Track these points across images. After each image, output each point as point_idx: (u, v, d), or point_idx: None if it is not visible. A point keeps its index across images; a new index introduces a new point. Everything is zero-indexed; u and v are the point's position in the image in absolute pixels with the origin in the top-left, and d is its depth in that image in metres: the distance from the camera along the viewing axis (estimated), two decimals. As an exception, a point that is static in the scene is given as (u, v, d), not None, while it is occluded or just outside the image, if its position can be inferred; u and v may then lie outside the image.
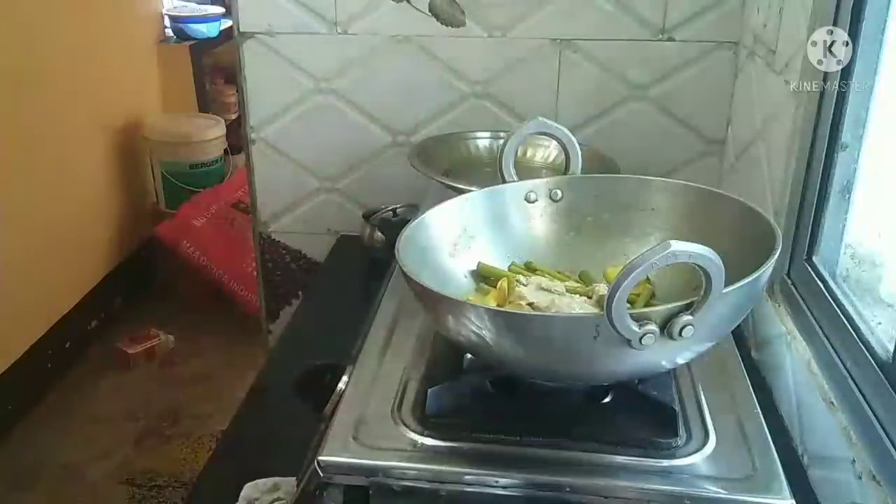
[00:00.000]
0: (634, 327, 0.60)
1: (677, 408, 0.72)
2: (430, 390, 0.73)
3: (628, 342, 0.60)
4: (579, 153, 0.91)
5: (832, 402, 0.80)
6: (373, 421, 0.73)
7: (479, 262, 0.85)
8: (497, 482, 0.67)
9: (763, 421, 0.74)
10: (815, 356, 0.88)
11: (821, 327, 0.88)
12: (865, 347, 0.78)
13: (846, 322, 0.83)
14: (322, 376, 0.82)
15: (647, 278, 0.77)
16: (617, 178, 0.96)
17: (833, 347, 0.85)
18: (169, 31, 3.26)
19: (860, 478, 0.72)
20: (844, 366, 0.81)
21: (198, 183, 2.99)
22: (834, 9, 0.91)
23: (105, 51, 2.77)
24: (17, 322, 2.32)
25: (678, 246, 0.58)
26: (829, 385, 0.83)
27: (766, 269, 0.65)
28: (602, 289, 0.77)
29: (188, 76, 3.20)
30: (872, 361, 0.76)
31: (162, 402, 2.44)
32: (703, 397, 0.76)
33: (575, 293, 0.78)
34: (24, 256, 2.34)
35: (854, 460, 0.74)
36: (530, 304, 0.75)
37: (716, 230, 0.78)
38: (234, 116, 3.30)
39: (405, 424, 0.72)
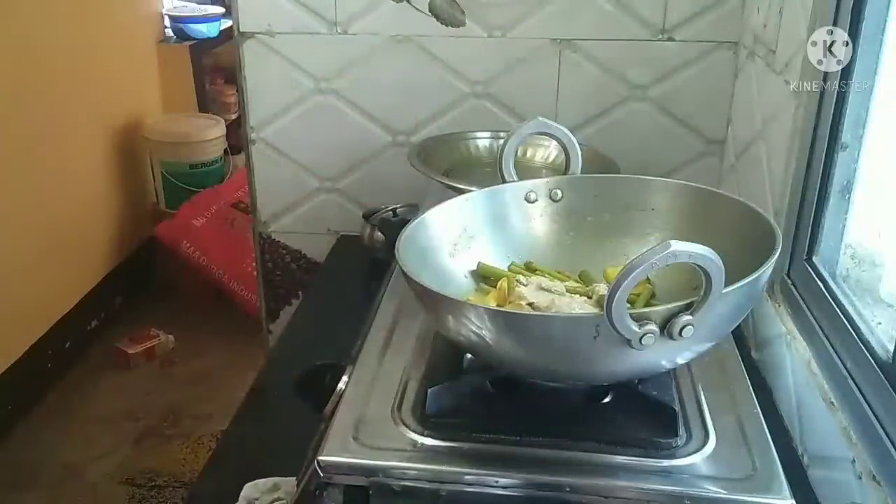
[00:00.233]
0: (634, 327, 0.60)
1: (677, 408, 0.72)
2: (430, 390, 0.73)
3: (628, 342, 0.60)
4: (579, 153, 0.91)
5: (832, 402, 0.80)
6: (373, 421, 0.73)
7: (479, 262, 0.85)
8: (497, 482, 0.67)
9: (763, 421, 0.74)
10: (815, 356, 0.88)
11: (821, 327, 0.88)
12: (865, 347, 0.78)
13: (846, 322, 0.83)
14: (322, 376, 0.82)
15: (647, 278, 0.77)
16: (617, 178, 0.96)
17: (833, 347, 0.84)
18: (169, 31, 3.26)
19: (860, 478, 0.72)
20: (844, 366, 0.81)
21: (198, 183, 2.99)
22: (834, 9, 0.91)
23: (105, 51, 2.77)
24: (17, 322, 2.32)
25: (678, 246, 0.58)
26: (829, 385, 0.83)
27: (766, 269, 0.65)
28: (602, 289, 0.77)
29: (188, 76, 3.20)
30: (872, 361, 0.76)
31: (162, 402, 2.44)
32: (703, 397, 0.76)
33: (575, 293, 0.78)
34: (24, 256, 2.34)
35: (854, 460, 0.74)
36: (530, 304, 0.75)
37: (716, 230, 0.77)
38: (234, 116, 3.30)
39: (405, 424, 0.72)
